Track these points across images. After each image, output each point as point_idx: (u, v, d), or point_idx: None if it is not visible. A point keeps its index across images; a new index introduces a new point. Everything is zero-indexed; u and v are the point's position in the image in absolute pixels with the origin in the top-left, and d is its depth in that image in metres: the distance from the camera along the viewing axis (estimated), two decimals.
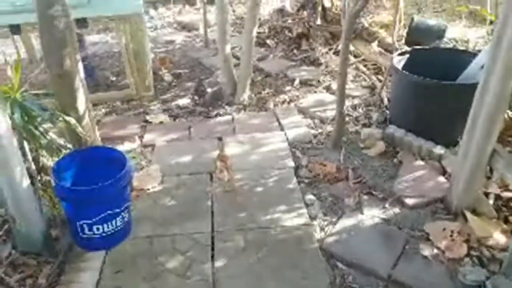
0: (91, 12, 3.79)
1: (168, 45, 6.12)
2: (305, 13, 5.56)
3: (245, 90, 4.16)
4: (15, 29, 3.62)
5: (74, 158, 2.25)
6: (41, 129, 2.13)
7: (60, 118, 2.25)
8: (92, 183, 2.07)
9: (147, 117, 3.97)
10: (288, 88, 4.39)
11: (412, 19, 5.04)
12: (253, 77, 4.33)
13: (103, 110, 4.18)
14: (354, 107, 3.96)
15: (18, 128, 1.98)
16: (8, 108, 1.98)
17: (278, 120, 3.80)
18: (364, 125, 3.71)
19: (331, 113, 3.83)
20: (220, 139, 3.56)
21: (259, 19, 6.86)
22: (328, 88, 4.37)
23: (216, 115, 4.02)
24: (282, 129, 3.65)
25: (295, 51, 5.35)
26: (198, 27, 6.92)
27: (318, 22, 5.39)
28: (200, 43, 6.14)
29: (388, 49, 4.85)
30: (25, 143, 2.08)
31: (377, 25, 5.80)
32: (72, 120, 2.38)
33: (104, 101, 4.32)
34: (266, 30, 6.14)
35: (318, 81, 4.53)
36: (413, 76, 3.20)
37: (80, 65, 2.64)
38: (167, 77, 4.79)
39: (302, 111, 3.95)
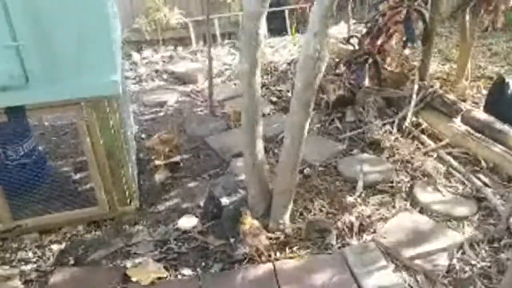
0: (32, 97, 2.22)
1: (157, 109, 4.54)
2: (343, 68, 4.08)
3: (287, 210, 2.60)
4: None
5: None
6: None
7: None
8: None
9: (127, 268, 2.35)
10: (349, 198, 2.83)
11: (503, 80, 3.61)
12: None
13: (55, 248, 2.54)
14: (470, 244, 2.41)
15: None
16: None
17: (355, 278, 2.21)
18: None
19: (439, 258, 2.30)
20: None
21: (275, 69, 5.35)
22: (412, 200, 2.82)
23: (243, 258, 2.42)
24: None
25: (337, 123, 3.83)
26: (196, 79, 5.39)
27: (366, 82, 3.90)
28: (202, 106, 4.58)
29: (478, 127, 3.37)
30: None
31: (434, 78, 4.40)
32: None
33: (58, 227, 2.69)
34: (290, 87, 4.64)
35: (391, 182, 2.98)
36: None
37: None
38: (160, 174, 3.19)
39: (389, 254, 2.38)
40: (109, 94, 2.34)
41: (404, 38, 3.62)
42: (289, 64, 5.26)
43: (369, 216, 2.66)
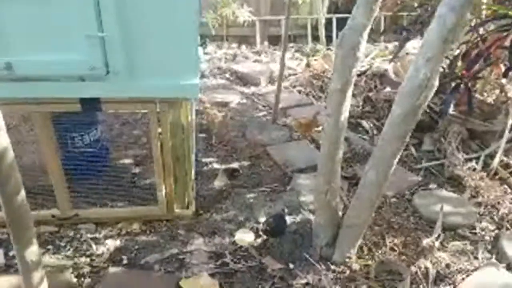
0: (109, 91, 2.12)
1: (218, 109, 4.41)
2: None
3: (355, 244, 2.36)
4: None
5: None
6: None
7: None
8: None
9: (181, 278, 2.22)
10: (425, 240, 2.54)
11: None
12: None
13: (110, 244, 2.46)
14: None
15: None
16: None
17: None
18: None
19: None
20: None
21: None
22: (498, 253, 2.49)
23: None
24: None
25: (413, 151, 3.53)
26: (258, 82, 5.25)
27: (451, 110, 3.56)
28: (264, 111, 4.42)
29: None
30: None
31: None
32: None
33: (113, 222, 2.62)
34: (360, 102, 4.38)
35: (473, 228, 2.67)
36: None
37: None
38: (219, 181, 3.05)
39: None
40: (188, 96, 2.21)
41: (507, 66, 3.25)
42: (359, 76, 4.98)
43: (447, 265, 2.37)
